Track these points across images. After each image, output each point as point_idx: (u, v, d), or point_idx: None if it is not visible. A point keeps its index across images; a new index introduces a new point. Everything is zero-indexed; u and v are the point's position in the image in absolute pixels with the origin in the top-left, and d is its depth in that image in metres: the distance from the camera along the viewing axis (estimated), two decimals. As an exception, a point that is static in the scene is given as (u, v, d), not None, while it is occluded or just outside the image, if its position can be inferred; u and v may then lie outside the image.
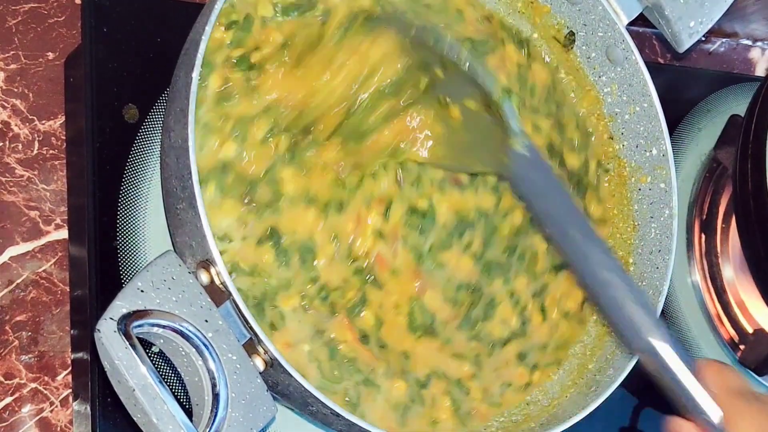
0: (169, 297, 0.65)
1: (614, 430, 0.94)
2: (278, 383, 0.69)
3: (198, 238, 0.66)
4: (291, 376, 0.66)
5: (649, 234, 0.86)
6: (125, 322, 0.63)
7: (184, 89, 0.67)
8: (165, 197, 0.73)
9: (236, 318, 0.67)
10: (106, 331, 0.63)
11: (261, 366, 0.67)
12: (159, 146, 0.83)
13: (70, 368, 0.83)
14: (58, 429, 0.82)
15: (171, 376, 0.75)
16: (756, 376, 0.99)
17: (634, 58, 0.85)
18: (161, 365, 0.75)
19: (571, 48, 0.88)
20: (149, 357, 0.64)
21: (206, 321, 0.66)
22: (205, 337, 0.65)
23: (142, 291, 0.65)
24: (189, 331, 0.65)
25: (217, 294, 0.67)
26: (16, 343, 0.82)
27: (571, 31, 0.87)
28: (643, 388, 0.94)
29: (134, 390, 0.63)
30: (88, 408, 0.78)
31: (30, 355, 0.83)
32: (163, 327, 0.65)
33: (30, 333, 0.83)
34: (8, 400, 0.81)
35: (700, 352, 0.99)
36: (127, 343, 0.63)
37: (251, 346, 0.67)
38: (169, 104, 0.71)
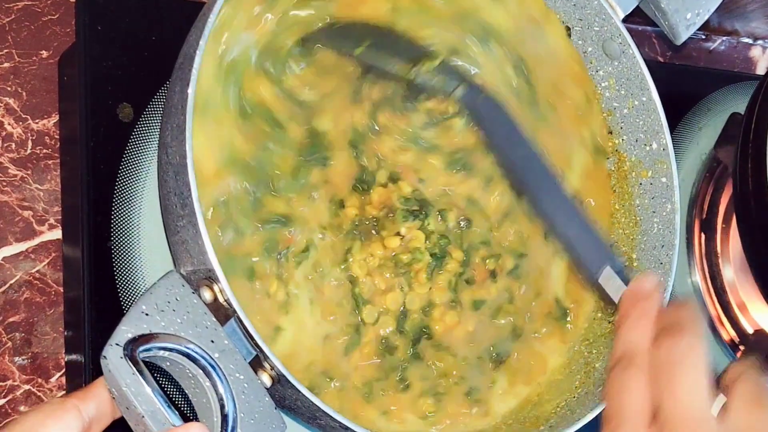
0: (173, 319, 0.64)
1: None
2: (285, 398, 0.68)
3: (200, 255, 0.65)
4: (299, 390, 0.66)
5: (652, 229, 0.85)
6: (131, 347, 0.62)
7: (180, 105, 0.66)
8: (164, 213, 0.72)
9: (242, 335, 0.66)
10: (113, 357, 0.62)
11: (268, 382, 0.66)
12: (154, 145, 0.82)
13: (63, 370, 0.83)
14: (52, 431, 0.82)
15: (178, 397, 0.75)
16: (756, 378, 0.99)
17: (632, 52, 0.84)
18: (167, 385, 0.75)
19: None
20: (155, 377, 0.63)
21: (212, 341, 0.65)
22: (211, 358, 0.64)
23: (146, 314, 0.64)
24: (195, 352, 0.64)
25: (221, 311, 0.66)
26: (10, 344, 0.82)
27: (567, 26, 0.87)
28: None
29: (143, 416, 0.62)
30: (82, 410, 0.78)
31: (23, 357, 0.82)
32: (170, 350, 0.64)
33: (23, 334, 0.82)
34: (1, 402, 0.81)
35: (701, 353, 0.99)
36: (134, 369, 0.62)
37: (257, 362, 0.67)
38: (165, 119, 0.70)
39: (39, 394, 0.82)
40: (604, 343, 0.84)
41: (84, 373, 0.78)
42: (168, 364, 0.65)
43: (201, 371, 0.65)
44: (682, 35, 0.86)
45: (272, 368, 0.66)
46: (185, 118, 0.65)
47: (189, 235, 0.66)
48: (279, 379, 0.66)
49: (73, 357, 0.81)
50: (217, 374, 0.64)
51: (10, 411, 0.81)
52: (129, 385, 0.62)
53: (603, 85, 0.87)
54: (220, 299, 0.66)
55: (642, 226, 0.86)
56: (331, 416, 0.67)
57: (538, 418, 0.80)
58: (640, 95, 0.85)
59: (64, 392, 0.82)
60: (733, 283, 0.99)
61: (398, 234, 0.79)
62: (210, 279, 0.66)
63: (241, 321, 0.65)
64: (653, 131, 0.85)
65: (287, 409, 0.70)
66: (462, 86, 0.78)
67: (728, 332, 0.99)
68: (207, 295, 0.66)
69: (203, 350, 0.64)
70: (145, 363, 0.63)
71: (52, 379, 0.82)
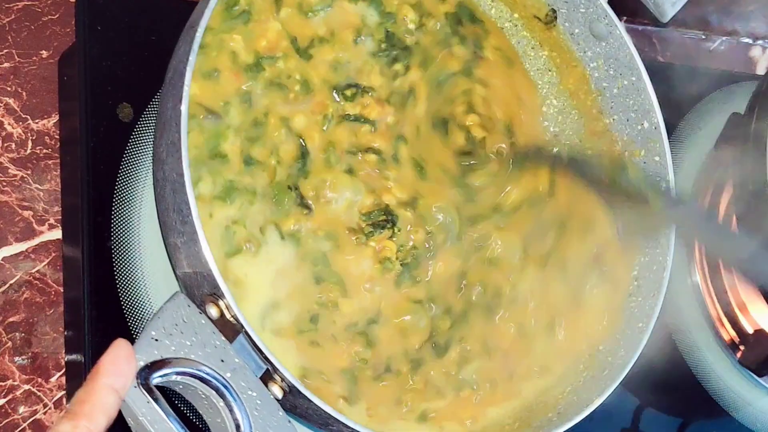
0: (183, 342, 0.64)
1: (616, 430, 0.94)
2: (297, 406, 0.68)
3: (204, 272, 0.65)
4: (310, 400, 0.66)
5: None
6: (144, 375, 0.62)
7: (174, 122, 0.66)
8: (163, 228, 0.72)
9: (251, 350, 0.66)
10: None
11: (279, 394, 0.66)
12: (154, 146, 0.82)
13: (63, 370, 0.82)
14: (52, 431, 0.82)
15: (192, 416, 0.76)
16: (756, 378, 0.98)
17: (619, 32, 0.84)
18: (181, 406, 0.76)
19: (553, 25, 0.87)
20: (170, 399, 0.63)
21: (222, 361, 0.65)
22: (223, 377, 0.64)
23: (156, 340, 0.64)
24: (207, 374, 0.64)
25: (229, 328, 0.66)
26: (10, 344, 0.82)
27: (552, 8, 0.87)
28: (645, 389, 0.93)
29: None
30: (82, 410, 0.78)
31: (23, 357, 0.82)
32: (182, 374, 0.64)
33: (23, 334, 0.82)
34: (1, 402, 0.81)
35: (700, 353, 0.99)
36: (149, 397, 0.62)
37: (268, 375, 0.67)
38: (158, 134, 0.70)
39: (39, 394, 0.82)
40: (607, 323, 0.83)
41: (84, 373, 0.77)
42: (180, 387, 0.65)
43: (214, 392, 0.64)
44: (669, 12, 0.86)
45: (283, 380, 0.66)
46: (179, 135, 0.65)
47: (191, 252, 0.66)
48: (290, 390, 0.66)
49: (73, 357, 0.81)
50: (230, 394, 0.64)
51: (10, 411, 0.81)
52: (145, 414, 0.61)
53: (592, 65, 0.87)
54: (227, 315, 0.65)
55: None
56: (343, 423, 0.67)
57: (546, 405, 0.80)
58: (629, 75, 0.85)
59: (63, 392, 0.82)
60: (733, 283, 0.99)
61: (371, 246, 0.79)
62: (215, 295, 0.65)
63: (250, 336, 0.65)
64: (644, 110, 0.85)
65: (299, 416, 0.70)
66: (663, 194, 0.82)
67: (728, 332, 0.99)
68: (213, 311, 0.65)
69: (214, 371, 0.64)
70: (158, 387, 0.63)
71: (52, 379, 0.82)
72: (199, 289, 0.67)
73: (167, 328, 0.64)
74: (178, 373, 0.64)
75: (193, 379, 0.64)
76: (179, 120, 0.65)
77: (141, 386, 0.62)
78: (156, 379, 0.63)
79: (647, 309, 0.81)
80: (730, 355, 0.99)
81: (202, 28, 0.67)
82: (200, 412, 0.66)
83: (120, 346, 0.61)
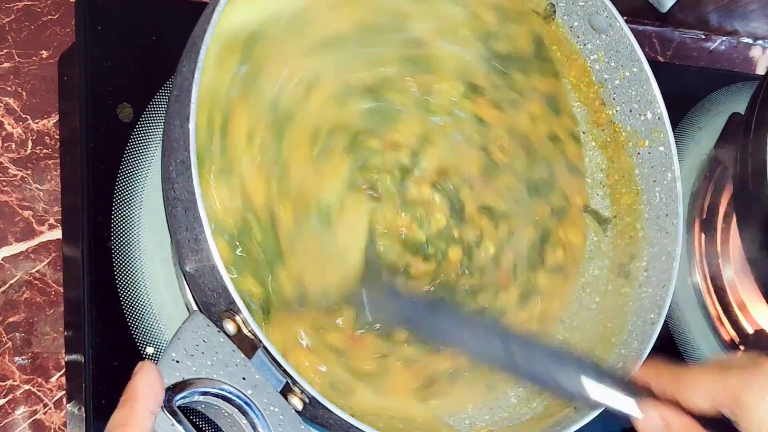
0: (204, 362, 0.64)
1: (616, 430, 0.93)
2: (317, 416, 0.68)
3: (219, 288, 0.65)
4: (330, 411, 0.66)
5: (654, 198, 0.85)
6: (167, 398, 0.62)
7: (183, 140, 0.65)
8: (177, 248, 0.71)
9: (270, 365, 0.66)
10: None
11: (299, 406, 0.66)
12: (154, 145, 0.82)
13: (63, 370, 0.82)
14: (52, 431, 0.82)
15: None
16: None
17: (619, 24, 0.84)
18: (204, 425, 0.76)
19: (552, 19, 0.87)
20: (192, 419, 0.63)
21: (243, 378, 0.65)
22: (245, 395, 0.64)
23: (177, 361, 0.64)
24: (230, 392, 0.64)
25: (247, 343, 0.66)
26: (10, 344, 0.82)
27: (551, 2, 0.87)
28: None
29: None
30: (83, 410, 0.78)
31: (23, 357, 0.82)
32: (205, 394, 0.64)
33: (23, 334, 0.82)
34: (1, 401, 0.81)
35: (701, 353, 0.99)
36: (173, 419, 0.62)
37: (287, 388, 0.67)
38: (167, 154, 0.69)
39: (39, 394, 0.82)
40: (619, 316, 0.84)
41: (84, 373, 0.78)
42: (203, 406, 0.65)
43: (236, 410, 0.65)
44: (667, 3, 0.86)
45: (302, 392, 0.66)
46: (188, 154, 0.64)
47: (205, 269, 0.66)
48: (310, 401, 0.66)
49: (73, 357, 0.81)
50: (253, 411, 0.65)
51: (10, 411, 0.81)
52: None
53: (592, 57, 0.87)
54: (244, 330, 0.65)
55: (644, 195, 0.86)
56: (363, 431, 0.67)
57: (549, 407, 0.80)
58: (631, 66, 0.85)
59: (63, 392, 0.82)
60: (733, 283, 0.99)
61: None
62: (231, 311, 0.65)
63: (268, 352, 0.65)
64: (647, 101, 0.85)
65: (320, 425, 0.70)
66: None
67: (728, 332, 0.99)
68: (230, 327, 0.65)
69: (236, 389, 0.64)
70: (180, 408, 0.63)
71: (52, 379, 0.82)
72: (216, 306, 0.67)
73: (188, 350, 0.64)
74: (200, 393, 0.64)
75: (215, 398, 0.64)
76: (187, 139, 0.64)
77: (165, 409, 0.62)
78: (179, 400, 0.63)
79: (658, 300, 0.81)
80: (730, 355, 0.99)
81: (206, 45, 0.66)
82: (223, 430, 0.67)
83: (149, 368, 0.61)
